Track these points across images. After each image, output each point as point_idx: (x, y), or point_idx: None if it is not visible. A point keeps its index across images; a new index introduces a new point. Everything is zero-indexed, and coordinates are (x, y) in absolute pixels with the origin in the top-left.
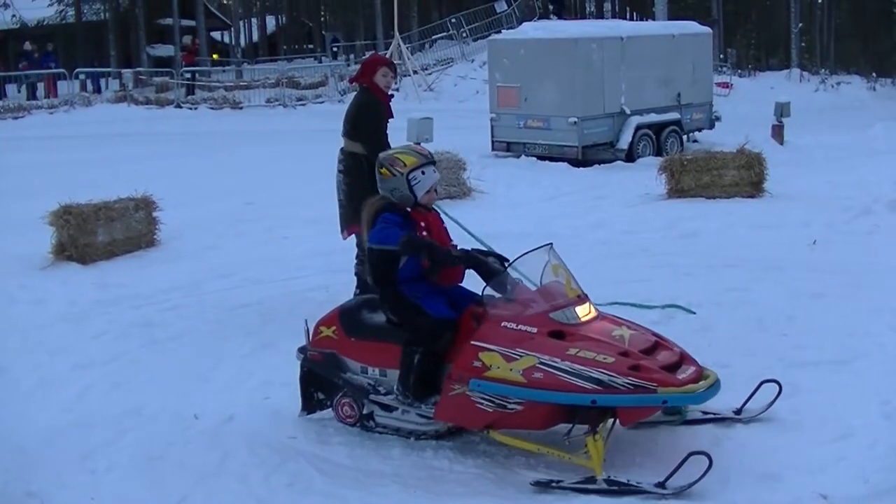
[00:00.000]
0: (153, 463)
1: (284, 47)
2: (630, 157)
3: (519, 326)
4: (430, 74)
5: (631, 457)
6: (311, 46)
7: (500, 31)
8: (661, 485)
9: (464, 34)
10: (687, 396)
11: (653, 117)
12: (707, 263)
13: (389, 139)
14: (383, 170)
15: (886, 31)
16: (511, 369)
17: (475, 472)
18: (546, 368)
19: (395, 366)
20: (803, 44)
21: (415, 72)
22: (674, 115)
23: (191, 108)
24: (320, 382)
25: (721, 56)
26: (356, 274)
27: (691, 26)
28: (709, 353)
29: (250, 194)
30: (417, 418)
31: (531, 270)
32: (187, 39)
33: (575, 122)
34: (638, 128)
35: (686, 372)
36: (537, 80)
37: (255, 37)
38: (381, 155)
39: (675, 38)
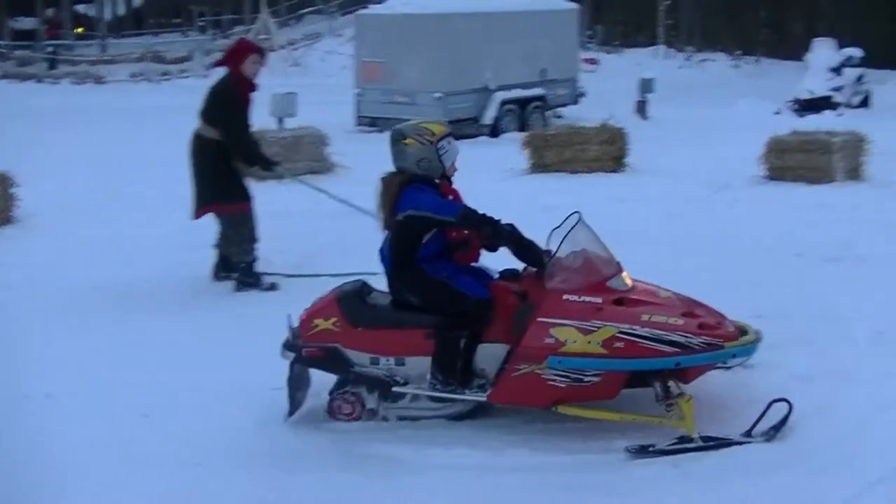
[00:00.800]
0: None
1: (151, 21)
2: (494, 132)
3: (582, 298)
4: (296, 49)
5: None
6: (177, 21)
7: (367, 6)
8: (748, 433)
9: (332, 9)
10: (746, 348)
11: (517, 93)
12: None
13: (251, 123)
14: (408, 140)
15: (752, 9)
16: (590, 342)
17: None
18: (626, 337)
19: (414, 352)
20: (670, 21)
21: (281, 47)
22: (538, 91)
23: (52, 83)
24: (299, 381)
25: (588, 33)
26: (216, 248)
27: (558, 3)
28: None
29: (110, 171)
30: (430, 404)
31: (566, 240)
32: (50, 12)
33: (440, 98)
34: (502, 103)
35: (730, 327)
36: (403, 55)
37: (122, 10)
38: (404, 125)
39: (541, 14)
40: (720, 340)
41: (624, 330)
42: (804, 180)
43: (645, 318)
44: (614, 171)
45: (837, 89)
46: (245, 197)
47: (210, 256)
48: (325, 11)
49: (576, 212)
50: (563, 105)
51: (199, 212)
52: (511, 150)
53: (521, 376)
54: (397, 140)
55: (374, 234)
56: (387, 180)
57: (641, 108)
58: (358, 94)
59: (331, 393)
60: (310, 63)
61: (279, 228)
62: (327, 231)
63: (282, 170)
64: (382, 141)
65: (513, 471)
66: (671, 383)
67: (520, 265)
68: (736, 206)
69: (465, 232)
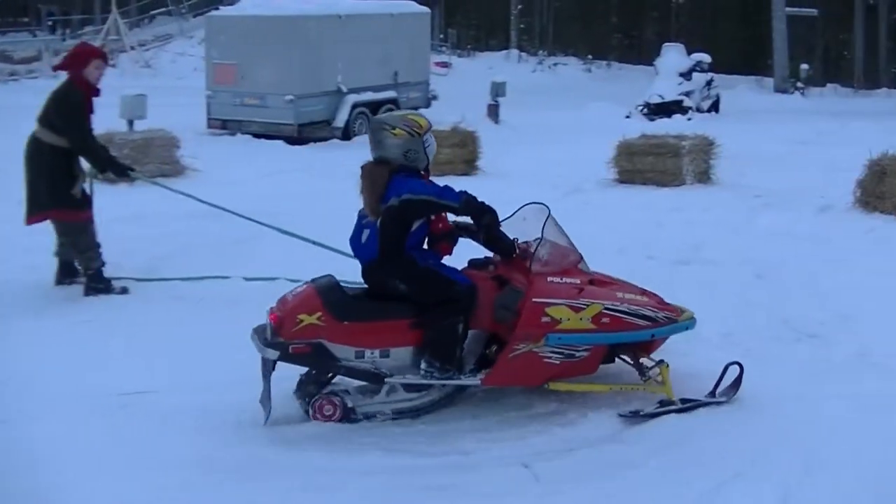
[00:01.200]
0: None
1: None
2: (346, 135)
3: (564, 280)
4: (147, 51)
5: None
6: (25, 20)
7: (218, 8)
8: (713, 394)
9: (183, 10)
10: (691, 322)
11: (369, 95)
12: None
13: (94, 128)
14: (397, 130)
15: (604, 14)
16: (581, 318)
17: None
18: (611, 313)
19: (399, 343)
20: (522, 25)
21: (132, 48)
22: (390, 94)
23: None
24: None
25: (441, 36)
26: (56, 255)
27: (410, 6)
28: None
29: None
30: (406, 394)
31: (529, 228)
32: None
33: (291, 100)
34: (354, 106)
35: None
36: (255, 57)
37: None
38: (389, 116)
39: (393, 18)
40: (675, 315)
41: (608, 306)
42: (654, 183)
43: (620, 295)
44: (466, 174)
45: (687, 94)
46: (83, 205)
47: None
48: (177, 13)
49: (542, 203)
50: (416, 108)
51: (32, 218)
52: (363, 153)
53: (519, 356)
54: (385, 130)
55: (225, 237)
56: (372, 168)
57: (493, 111)
58: (209, 96)
59: (296, 393)
60: (161, 64)
61: (131, 231)
62: (180, 234)
63: (137, 174)
64: (234, 144)
65: (368, 473)
66: (641, 356)
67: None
68: (587, 209)
69: (449, 223)
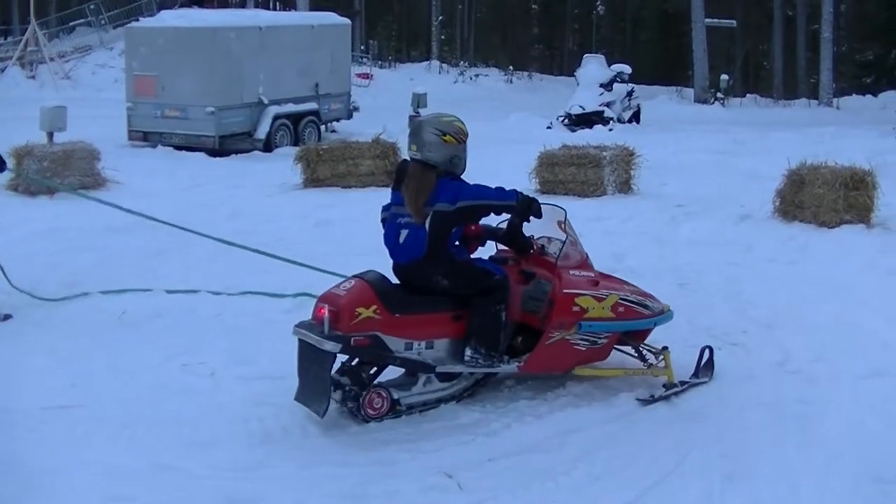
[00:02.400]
0: None
1: None
2: (268, 146)
3: (582, 273)
4: (67, 62)
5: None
6: None
7: (138, 19)
8: (696, 375)
9: (103, 21)
10: (671, 314)
11: (291, 107)
12: (341, 251)
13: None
14: (448, 137)
15: (525, 25)
16: (603, 308)
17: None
18: (625, 303)
19: (442, 335)
20: (444, 36)
21: (51, 59)
22: (312, 106)
23: None
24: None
25: (362, 47)
26: None
27: (331, 17)
28: None
29: None
30: (440, 384)
31: (541, 227)
32: None
33: (212, 112)
34: (276, 118)
35: None
36: (175, 69)
37: None
38: (440, 121)
39: (314, 29)
40: (662, 306)
41: (622, 297)
42: (575, 193)
43: (628, 287)
44: (387, 185)
45: (608, 104)
46: None
47: None
48: (96, 24)
49: (559, 206)
50: (337, 120)
51: None
52: (284, 164)
53: (553, 344)
54: (437, 135)
55: (147, 249)
56: (421, 172)
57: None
58: (129, 108)
59: (342, 388)
60: (81, 76)
61: (51, 245)
62: (101, 247)
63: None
64: (155, 156)
65: (287, 481)
66: (640, 344)
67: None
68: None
69: (481, 227)
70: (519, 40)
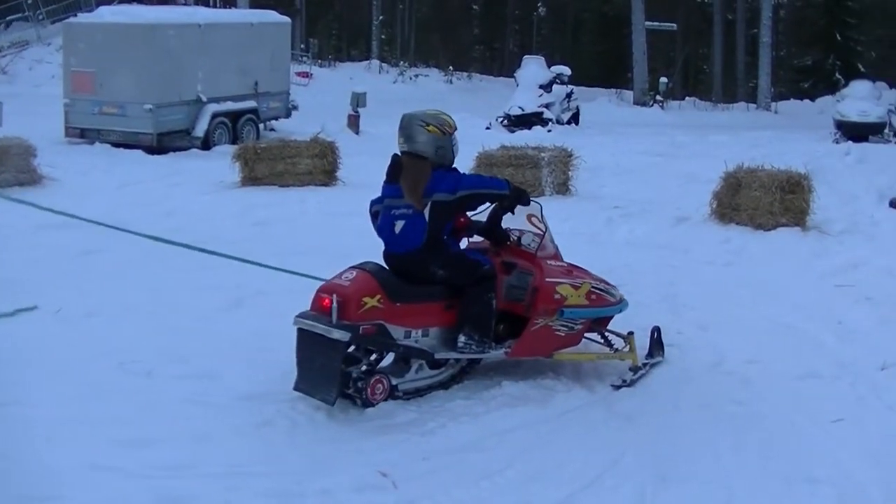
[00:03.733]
0: None
1: None
2: (206, 144)
3: (558, 263)
4: (3, 57)
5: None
6: None
7: (76, 14)
8: (650, 356)
9: (41, 16)
10: (627, 302)
11: (229, 105)
12: (278, 251)
13: None
14: (431, 128)
15: (466, 25)
16: (579, 295)
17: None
18: (596, 291)
19: (437, 323)
20: (384, 36)
21: None
22: (250, 104)
23: None
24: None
25: (302, 46)
26: None
27: (271, 15)
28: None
29: None
30: (430, 371)
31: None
32: None
33: (150, 109)
34: (214, 115)
35: None
36: (113, 65)
37: None
38: (423, 113)
39: (254, 27)
40: (621, 295)
41: (594, 285)
42: None
43: (593, 276)
44: (325, 184)
45: (547, 106)
46: None
47: None
48: (34, 19)
49: (536, 201)
50: (276, 118)
51: None
52: (223, 162)
53: (537, 330)
54: (419, 125)
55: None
56: (414, 163)
57: (354, 122)
58: (67, 104)
59: (348, 376)
60: (17, 72)
61: None
62: (31, 246)
63: None
64: (92, 153)
65: (219, 479)
66: (605, 330)
67: None
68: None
69: (469, 218)
70: (459, 41)
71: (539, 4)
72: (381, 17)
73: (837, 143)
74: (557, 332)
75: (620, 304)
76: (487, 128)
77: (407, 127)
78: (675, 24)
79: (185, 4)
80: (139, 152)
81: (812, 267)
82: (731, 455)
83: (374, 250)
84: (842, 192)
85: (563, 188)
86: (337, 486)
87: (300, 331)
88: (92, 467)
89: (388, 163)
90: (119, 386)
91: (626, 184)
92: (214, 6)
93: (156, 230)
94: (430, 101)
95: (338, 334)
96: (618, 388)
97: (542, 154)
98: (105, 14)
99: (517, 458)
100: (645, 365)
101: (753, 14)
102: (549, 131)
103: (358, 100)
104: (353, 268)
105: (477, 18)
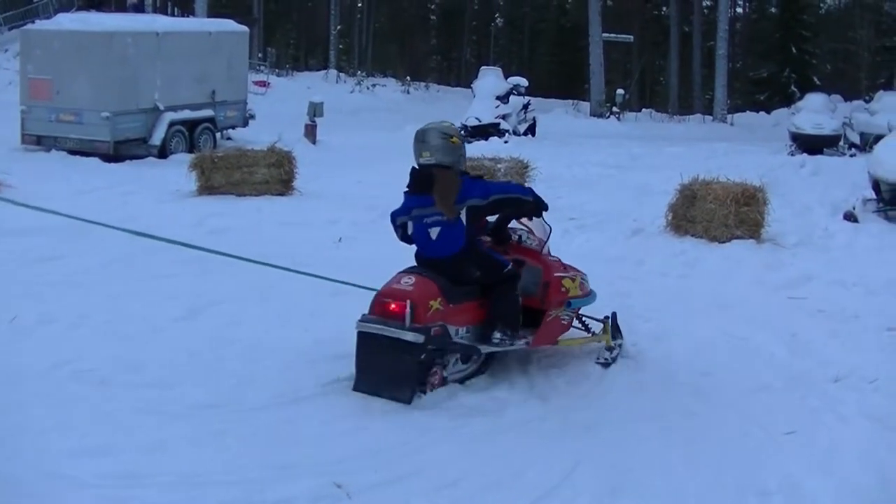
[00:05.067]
0: None
1: None
2: (163, 153)
3: (554, 257)
4: None
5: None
6: None
7: (34, 21)
8: (615, 338)
9: None
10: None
11: (187, 114)
12: (233, 260)
13: None
14: (454, 139)
15: (423, 36)
16: (576, 287)
17: None
18: (583, 282)
19: (474, 321)
20: (342, 46)
21: None
22: (208, 112)
23: None
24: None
25: (260, 55)
26: None
27: (229, 24)
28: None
29: None
30: (462, 366)
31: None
32: None
33: (107, 117)
34: (171, 124)
35: None
36: (71, 72)
37: None
38: (444, 126)
39: (211, 36)
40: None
41: (583, 277)
42: None
43: (577, 268)
44: (282, 194)
45: (504, 117)
46: None
47: None
48: None
49: None
50: (233, 127)
51: None
52: (179, 171)
53: (551, 321)
54: (443, 138)
55: (30, 255)
56: (444, 174)
57: (311, 131)
58: (24, 111)
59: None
60: None
61: None
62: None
63: None
64: (49, 160)
65: (169, 490)
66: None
67: None
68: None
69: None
70: (417, 51)
71: (496, 15)
72: (338, 27)
73: (793, 155)
74: (563, 322)
75: (593, 293)
76: None
77: (429, 140)
78: (631, 36)
79: (141, 12)
80: (96, 160)
81: (766, 279)
82: (684, 467)
83: (327, 260)
84: (796, 205)
85: None
86: (294, 496)
87: (364, 334)
88: (46, 476)
89: (410, 177)
90: (73, 394)
91: (581, 195)
92: (173, 15)
93: (114, 238)
94: (386, 111)
95: (412, 336)
96: (607, 365)
97: (499, 165)
98: (63, 21)
99: (474, 468)
100: (615, 346)
101: (710, 26)
102: (506, 142)
103: (315, 109)
104: (406, 273)
105: (434, 28)
